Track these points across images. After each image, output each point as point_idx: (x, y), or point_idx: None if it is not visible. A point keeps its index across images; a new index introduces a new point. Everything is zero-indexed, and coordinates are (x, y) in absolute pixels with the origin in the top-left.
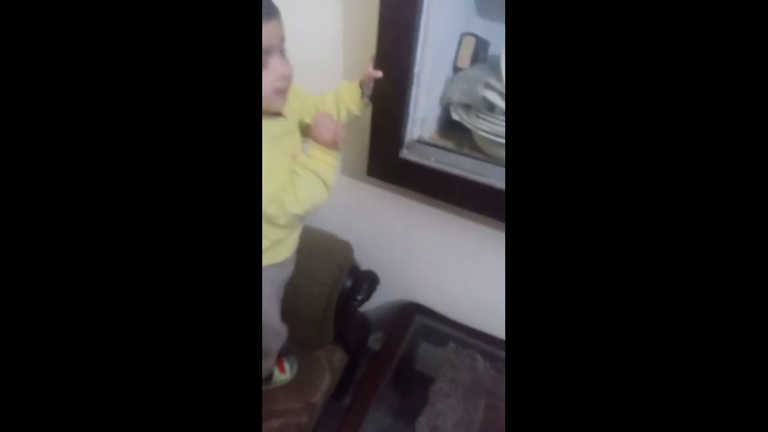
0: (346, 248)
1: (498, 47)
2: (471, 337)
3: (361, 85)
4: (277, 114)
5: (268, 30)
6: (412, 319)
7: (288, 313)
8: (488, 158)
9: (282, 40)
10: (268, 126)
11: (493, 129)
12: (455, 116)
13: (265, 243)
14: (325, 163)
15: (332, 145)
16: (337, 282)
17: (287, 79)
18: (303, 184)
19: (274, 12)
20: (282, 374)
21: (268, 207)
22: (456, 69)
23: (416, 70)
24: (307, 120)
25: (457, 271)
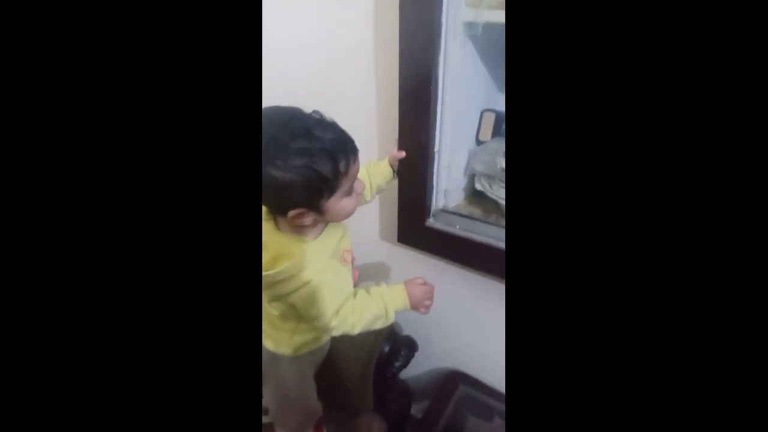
0: None
1: None
2: None
3: (390, 163)
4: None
5: (356, 168)
6: (455, 388)
7: (327, 378)
8: None
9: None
10: (332, 237)
11: None
12: (479, 186)
13: (311, 335)
14: (398, 303)
15: (412, 306)
16: (374, 346)
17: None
18: (371, 311)
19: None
20: None
21: (331, 321)
22: (479, 142)
23: (436, 147)
24: None
25: (500, 338)
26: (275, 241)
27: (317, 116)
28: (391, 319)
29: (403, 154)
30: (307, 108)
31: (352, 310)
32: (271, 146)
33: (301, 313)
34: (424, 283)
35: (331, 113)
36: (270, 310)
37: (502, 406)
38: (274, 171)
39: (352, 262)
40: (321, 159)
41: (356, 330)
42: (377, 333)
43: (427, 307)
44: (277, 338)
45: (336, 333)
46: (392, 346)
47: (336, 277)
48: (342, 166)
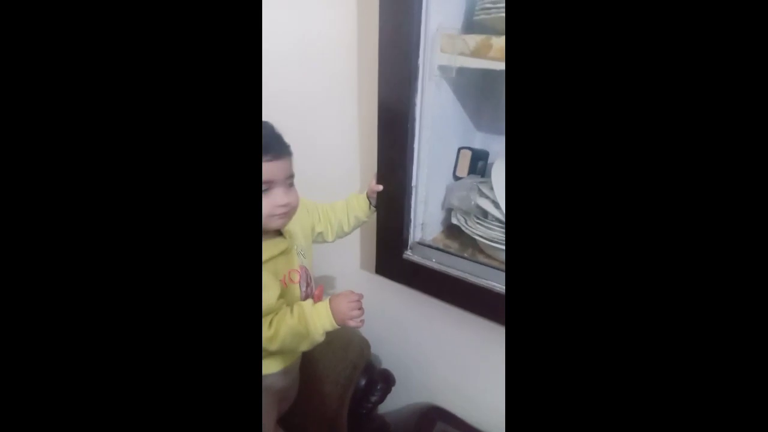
0: (362, 345)
1: (495, 157)
2: None
3: (368, 196)
4: (277, 233)
5: (276, 166)
6: (433, 425)
7: (299, 412)
8: (489, 260)
9: (290, 175)
10: (267, 250)
11: (488, 234)
12: (455, 221)
13: None
14: (321, 323)
15: (338, 322)
16: (349, 381)
17: (286, 207)
18: (290, 326)
19: (284, 151)
20: None
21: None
22: (456, 178)
23: (413, 183)
24: (319, 228)
25: (479, 373)
26: None
27: None
28: (317, 338)
29: (380, 187)
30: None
31: (268, 325)
32: None
33: None
34: (350, 294)
35: (315, 147)
36: None
37: None
38: None
39: (307, 282)
40: None
41: (274, 346)
42: (353, 366)
43: (356, 319)
44: None
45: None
46: (368, 380)
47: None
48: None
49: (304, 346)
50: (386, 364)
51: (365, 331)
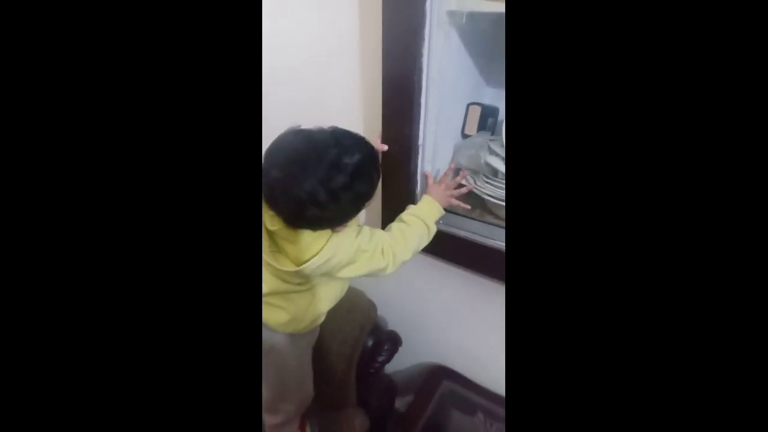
0: (369, 307)
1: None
2: (501, 407)
3: None
4: None
5: None
6: (439, 383)
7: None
8: (497, 220)
9: None
10: None
11: (497, 193)
12: (463, 181)
13: (326, 305)
14: (433, 214)
15: (444, 206)
16: (358, 341)
17: None
18: (412, 232)
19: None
20: None
21: (379, 262)
22: (465, 136)
23: (420, 141)
24: None
25: (484, 334)
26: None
27: (328, 137)
28: (433, 229)
29: (385, 147)
30: (291, 101)
31: (394, 244)
32: (310, 187)
33: (357, 276)
34: (439, 183)
35: (315, 104)
36: (293, 287)
37: (486, 402)
38: (321, 210)
39: None
40: (362, 184)
41: (409, 256)
42: (360, 327)
43: (456, 197)
44: (294, 312)
45: (392, 270)
46: (376, 340)
47: (363, 235)
48: (376, 177)
49: (425, 241)
50: (393, 325)
51: (372, 293)
